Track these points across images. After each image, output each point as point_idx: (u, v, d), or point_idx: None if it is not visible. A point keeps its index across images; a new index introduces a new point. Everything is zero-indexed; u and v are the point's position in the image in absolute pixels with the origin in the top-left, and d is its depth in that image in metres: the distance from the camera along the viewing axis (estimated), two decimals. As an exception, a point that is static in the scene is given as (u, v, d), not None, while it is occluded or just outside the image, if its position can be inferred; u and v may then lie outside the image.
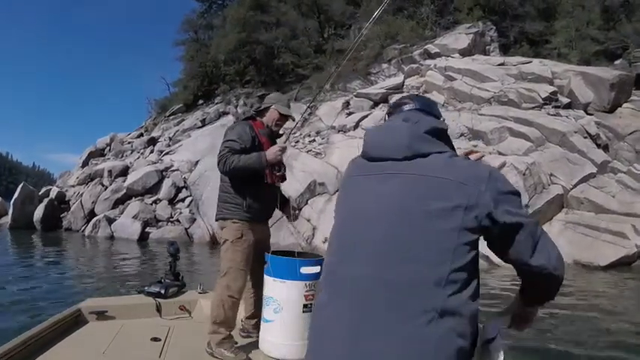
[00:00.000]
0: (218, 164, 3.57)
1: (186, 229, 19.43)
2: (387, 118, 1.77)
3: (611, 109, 18.65)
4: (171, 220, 20.07)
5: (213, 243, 18.18)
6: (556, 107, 18.07)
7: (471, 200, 1.37)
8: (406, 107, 1.69)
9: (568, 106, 18.37)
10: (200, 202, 20.06)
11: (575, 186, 14.77)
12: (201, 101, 31.91)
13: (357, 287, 1.38)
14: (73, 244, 18.76)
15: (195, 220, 19.69)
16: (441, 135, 1.57)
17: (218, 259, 3.62)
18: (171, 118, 31.40)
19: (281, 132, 4.03)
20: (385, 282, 1.34)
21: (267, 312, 3.45)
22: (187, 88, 32.80)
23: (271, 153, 3.55)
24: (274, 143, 3.82)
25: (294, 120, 3.96)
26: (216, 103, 30.04)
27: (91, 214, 21.54)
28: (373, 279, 1.36)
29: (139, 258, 14.77)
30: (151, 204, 20.77)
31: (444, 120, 1.71)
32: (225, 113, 27.93)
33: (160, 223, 20.05)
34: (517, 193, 1.47)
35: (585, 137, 16.44)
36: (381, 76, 26.14)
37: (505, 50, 26.85)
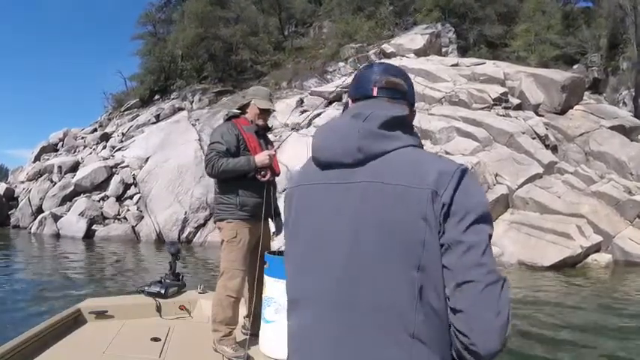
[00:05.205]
0: (206, 168, 3.64)
1: (133, 226, 18.92)
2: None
3: (562, 111, 18.83)
4: (118, 217, 19.60)
5: (161, 242, 17.72)
6: (506, 108, 18.13)
7: (429, 207, 1.15)
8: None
9: (518, 107, 18.47)
10: (148, 200, 19.59)
11: (520, 186, 14.73)
12: (157, 96, 31.30)
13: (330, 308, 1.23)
14: (15, 242, 18.19)
15: (142, 217, 19.18)
16: (400, 124, 1.32)
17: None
18: (126, 113, 30.73)
19: (269, 125, 4.12)
20: (354, 306, 1.19)
21: (268, 313, 3.46)
22: (144, 83, 32.19)
23: (260, 158, 3.63)
24: (263, 136, 3.94)
25: (274, 111, 4.15)
26: (172, 99, 29.48)
27: (39, 210, 21.08)
28: (342, 303, 1.21)
29: (79, 261, 14.17)
30: (99, 201, 20.25)
31: (411, 87, 1.46)
32: (180, 109, 27.41)
33: (107, 221, 19.55)
34: (484, 214, 1.18)
35: (534, 138, 16.47)
36: (337, 75, 26.05)
37: (463, 52, 27.04)
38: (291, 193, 1.42)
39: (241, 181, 3.64)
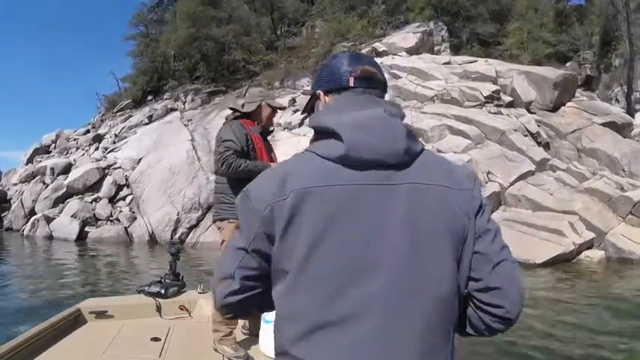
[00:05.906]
0: (222, 165, 3.56)
1: (125, 228, 18.83)
2: (343, 90, 1.36)
3: (554, 108, 18.88)
4: (110, 219, 19.52)
5: (154, 243, 17.67)
6: (498, 106, 18.16)
7: (470, 206, 1.25)
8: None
9: (510, 105, 18.50)
10: (140, 201, 19.55)
11: (512, 183, 14.75)
12: (150, 97, 31.25)
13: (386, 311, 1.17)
14: (8, 244, 18.12)
15: (135, 218, 19.13)
16: None
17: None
18: (118, 114, 30.68)
19: (271, 128, 4.08)
20: (417, 306, 1.18)
21: (268, 313, 3.29)
22: (136, 83, 32.13)
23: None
24: (265, 139, 3.89)
25: (283, 109, 4.26)
26: (165, 100, 29.45)
27: (32, 213, 20.96)
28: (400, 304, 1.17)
29: (74, 263, 14.08)
30: (91, 202, 20.15)
31: (384, 76, 1.47)
32: (172, 109, 27.38)
33: (100, 222, 19.45)
34: (489, 206, 1.36)
35: (525, 135, 16.49)
36: (329, 74, 25.93)
37: (456, 50, 27.01)
38: (303, 195, 1.19)
39: (246, 183, 3.58)
